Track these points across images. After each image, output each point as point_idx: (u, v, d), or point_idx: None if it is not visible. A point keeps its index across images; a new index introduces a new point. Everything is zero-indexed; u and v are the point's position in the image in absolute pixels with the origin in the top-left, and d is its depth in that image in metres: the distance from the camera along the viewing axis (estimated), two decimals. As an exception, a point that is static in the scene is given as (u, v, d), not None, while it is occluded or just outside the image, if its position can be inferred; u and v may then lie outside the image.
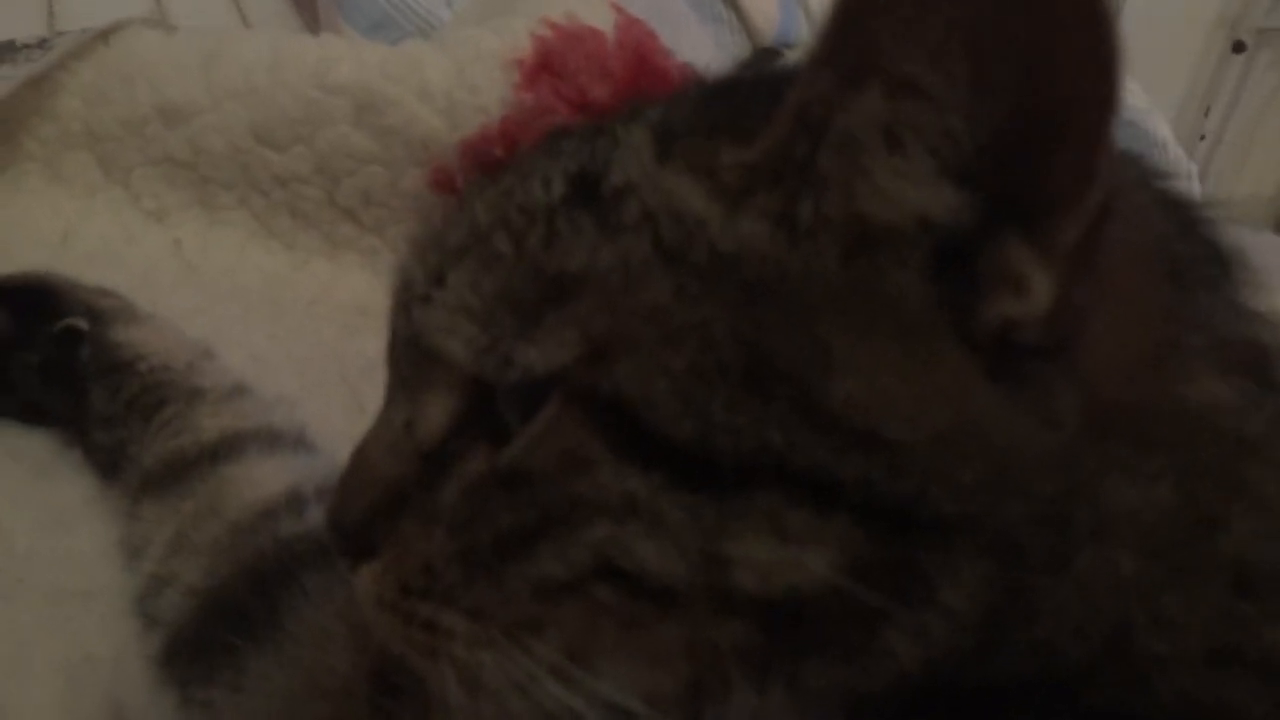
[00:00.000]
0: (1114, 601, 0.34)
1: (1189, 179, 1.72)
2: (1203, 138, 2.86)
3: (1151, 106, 1.78)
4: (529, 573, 0.36)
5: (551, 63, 0.94)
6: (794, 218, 0.35)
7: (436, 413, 0.40)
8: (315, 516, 0.60)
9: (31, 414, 0.71)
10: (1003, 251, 0.34)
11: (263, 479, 0.62)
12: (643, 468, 0.34)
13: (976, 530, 0.33)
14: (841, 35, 0.33)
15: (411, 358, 0.41)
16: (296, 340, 0.91)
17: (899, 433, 0.33)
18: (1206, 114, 2.87)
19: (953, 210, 0.34)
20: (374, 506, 0.41)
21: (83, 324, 0.71)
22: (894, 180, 0.34)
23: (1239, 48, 2.82)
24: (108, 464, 0.67)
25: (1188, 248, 0.40)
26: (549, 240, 0.37)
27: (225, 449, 0.64)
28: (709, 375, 0.34)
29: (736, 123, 0.37)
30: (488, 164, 0.51)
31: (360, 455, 0.43)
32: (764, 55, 1.30)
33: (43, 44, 1.02)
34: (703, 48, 1.25)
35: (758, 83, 0.44)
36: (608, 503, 0.35)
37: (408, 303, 0.41)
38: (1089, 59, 0.30)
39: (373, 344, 0.96)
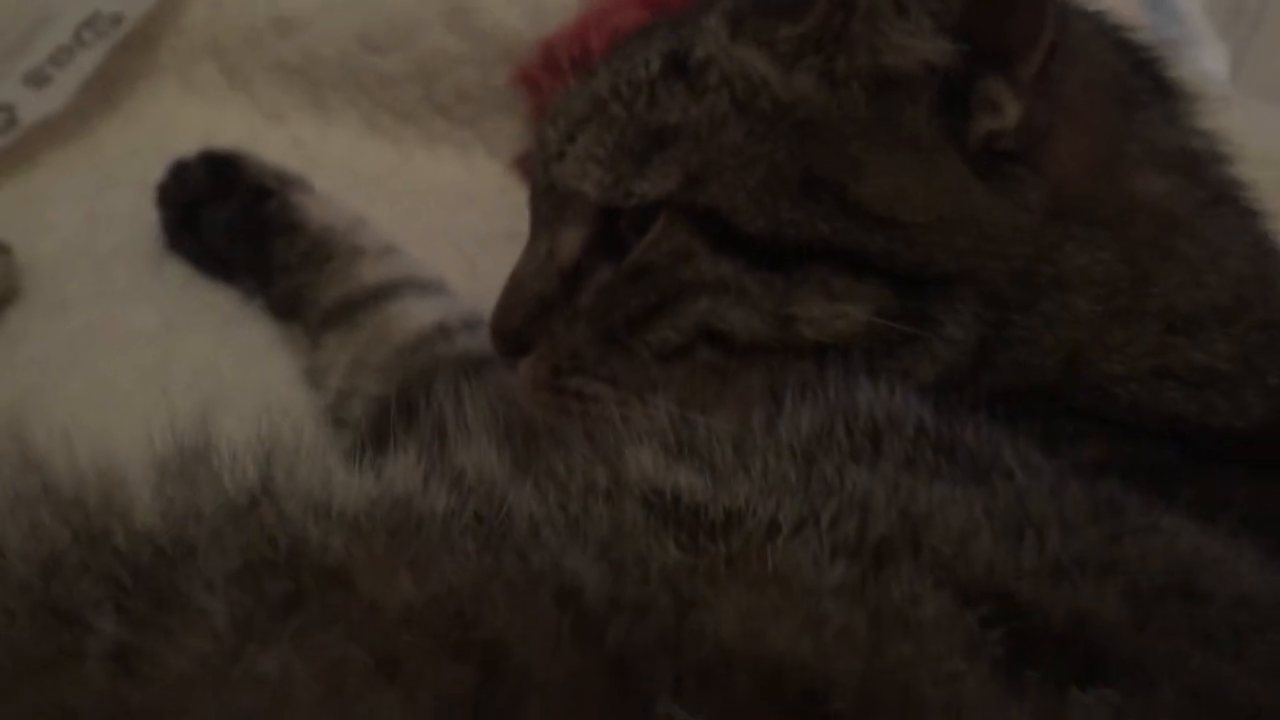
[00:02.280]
0: (1072, 332, 0.49)
1: (1215, 59, 1.76)
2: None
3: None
4: (651, 341, 0.51)
5: (625, -39, 1.04)
6: (833, 72, 0.49)
7: (570, 242, 0.55)
8: (461, 342, 0.76)
9: (214, 268, 0.87)
10: (984, 85, 0.48)
11: (418, 314, 0.79)
12: (730, 256, 0.49)
13: (969, 282, 0.48)
14: None
15: (550, 201, 0.56)
16: (413, 221, 1.04)
17: (913, 216, 0.48)
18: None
19: (947, 56, 0.48)
20: (527, 315, 0.56)
21: (274, 184, 0.87)
22: (904, 37, 0.47)
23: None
24: (287, 307, 0.83)
25: (1137, 80, 0.54)
26: (652, 104, 0.52)
27: (386, 291, 0.80)
28: (774, 187, 0.49)
29: (789, 5, 0.51)
30: (569, 61, 0.64)
31: (514, 279, 0.58)
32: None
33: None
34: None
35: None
36: (705, 282, 0.50)
37: (545, 160, 0.56)
38: None
39: (480, 221, 1.07)
